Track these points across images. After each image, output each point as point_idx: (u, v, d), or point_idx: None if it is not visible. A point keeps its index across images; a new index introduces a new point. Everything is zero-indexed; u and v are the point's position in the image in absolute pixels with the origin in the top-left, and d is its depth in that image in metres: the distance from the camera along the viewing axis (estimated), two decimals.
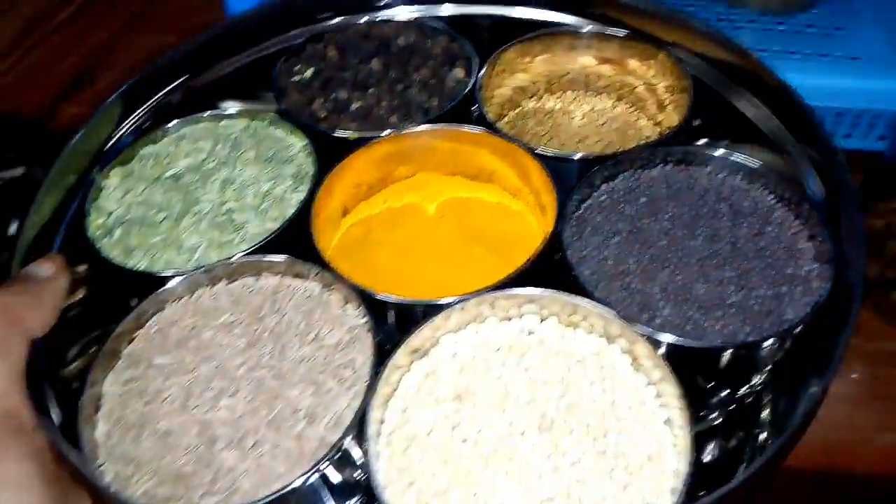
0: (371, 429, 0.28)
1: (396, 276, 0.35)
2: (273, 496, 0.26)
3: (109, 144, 0.40)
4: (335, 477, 0.28)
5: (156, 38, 0.62)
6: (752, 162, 0.36)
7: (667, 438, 0.29)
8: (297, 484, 0.26)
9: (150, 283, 0.33)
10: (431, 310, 0.31)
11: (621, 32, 0.43)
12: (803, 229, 0.34)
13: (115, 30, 0.67)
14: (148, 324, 0.33)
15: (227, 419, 0.29)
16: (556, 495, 0.27)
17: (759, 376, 0.33)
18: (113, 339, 0.31)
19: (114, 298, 0.34)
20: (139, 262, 0.35)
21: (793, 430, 0.27)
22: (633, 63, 0.43)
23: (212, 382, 0.30)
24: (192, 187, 0.38)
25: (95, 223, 0.37)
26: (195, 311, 0.33)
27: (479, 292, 0.32)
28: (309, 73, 0.44)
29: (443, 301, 0.31)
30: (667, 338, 0.30)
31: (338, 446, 0.27)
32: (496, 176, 0.39)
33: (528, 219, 0.38)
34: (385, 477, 0.28)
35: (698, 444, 0.28)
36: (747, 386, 0.33)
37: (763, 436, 0.32)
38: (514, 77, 0.44)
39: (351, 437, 0.28)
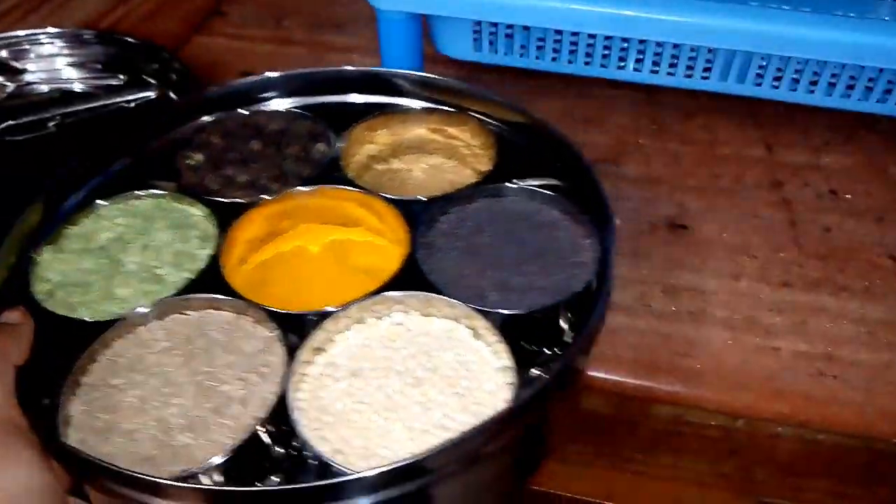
0: (292, 404, 0.38)
1: (294, 299, 0.46)
2: (227, 457, 0.36)
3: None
4: (266, 439, 0.38)
5: None
6: (545, 190, 0.51)
7: (502, 379, 0.41)
8: (238, 443, 0.36)
9: (94, 329, 0.42)
10: (324, 317, 0.42)
11: (443, 107, 0.57)
12: (582, 237, 0.49)
13: None
14: (99, 357, 0.41)
15: (178, 413, 0.38)
16: (431, 427, 0.38)
17: (564, 332, 0.46)
18: (74, 372, 0.40)
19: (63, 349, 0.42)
20: (83, 315, 0.43)
21: (581, 340, 0.40)
22: (453, 130, 0.57)
23: (161, 389, 0.39)
24: (116, 254, 0.47)
25: (39, 290, 0.45)
26: (137, 343, 0.42)
27: (358, 300, 0.43)
28: (199, 157, 0.54)
29: (332, 309, 0.42)
30: (499, 311, 0.43)
31: (266, 418, 0.37)
32: (361, 221, 0.51)
33: (389, 249, 0.50)
34: (306, 434, 0.38)
35: (524, 380, 0.40)
36: (557, 339, 0.46)
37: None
38: (364, 147, 0.57)
39: (275, 410, 0.38)
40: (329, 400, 0.40)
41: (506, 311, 0.43)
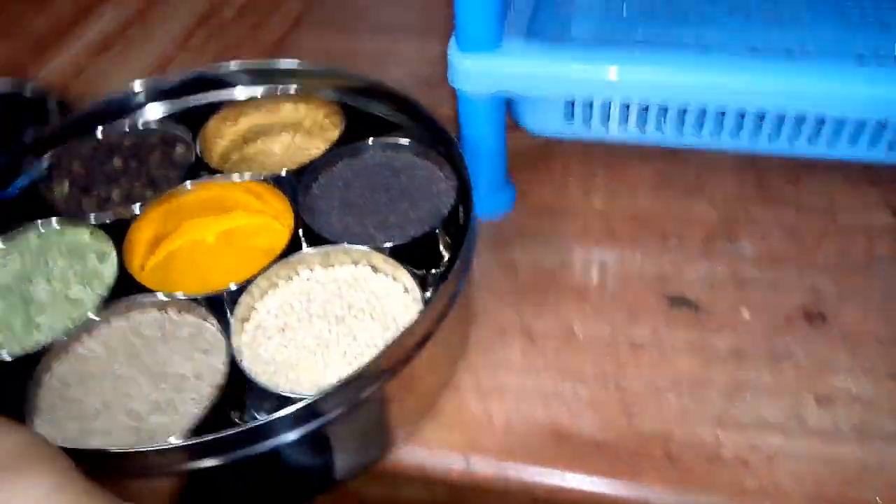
0: (241, 364, 0.44)
1: (204, 288, 0.51)
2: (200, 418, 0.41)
3: None
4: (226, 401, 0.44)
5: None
6: (400, 142, 0.58)
7: (409, 298, 0.49)
8: (209, 407, 0.41)
9: (28, 361, 0.45)
10: (240, 292, 0.48)
11: (288, 89, 0.63)
12: (437, 170, 0.57)
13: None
14: (45, 381, 0.44)
15: (142, 399, 0.43)
16: (364, 349, 0.46)
17: (441, 252, 0.55)
18: (28, 400, 0.43)
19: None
20: (13, 351, 0.46)
21: (462, 254, 0.49)
22: (301, 107, 0.63)
23: (119, 388, 0.44)
24: (23, 289, 0.49)
25: None
26: (76, 359, 0.45)
27: (265, 268, 0.49)
28: (65, 186, 0.56)
29: (246, 283, 0.48)
30: (387, 245, 0.50)
31: (222, 382, 0.43)
32: (243, 204, 0.56)
33: (274, 226, 0.56)
34: (263, 381, 0.44)
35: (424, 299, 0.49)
36: (438, 259, 0.54)
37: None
38: (219, 140, 0.62)
39: (227, 376, 0.43)
40: (270, 354, 0.46)
41: (392, 244, 0.51)
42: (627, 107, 0.57)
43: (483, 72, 0.54)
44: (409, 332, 0.43)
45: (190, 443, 0.38)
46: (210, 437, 0.38)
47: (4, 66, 0.81)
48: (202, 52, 0.84)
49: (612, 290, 0.56)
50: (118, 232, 0.52)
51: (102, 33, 0.86)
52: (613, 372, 0.51)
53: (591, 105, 0.58)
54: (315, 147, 0.63)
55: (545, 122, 0.61)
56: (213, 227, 0.56)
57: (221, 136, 0.62)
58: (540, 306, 0.55)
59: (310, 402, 0.40)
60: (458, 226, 0.53)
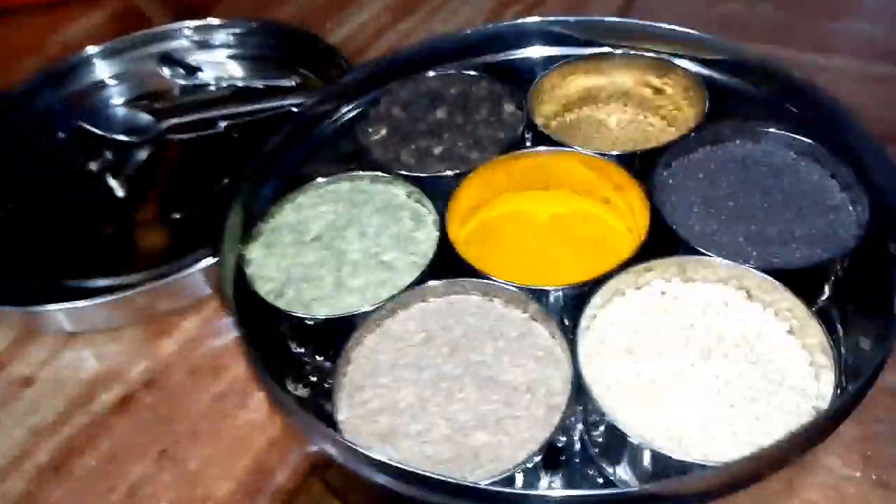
0: (587, 387, 0.35)
1: (525, 268, 0.42)
2: (536, 454, 0.33)
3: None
4: (562, 439, 0.35)
5: None
6: (785, 134, 0.46)
7: (791, 344, 0.37)
8: (548, 437, 0.33)
9: (339, 326, 0.39)
10: (579, 292, 0.39)
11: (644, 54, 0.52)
12: (829, 177, 0.44)
13: None
14: (355, 357, 0.38)
15: (465, 409, 0.35)
16: (740, 410, 0.35)
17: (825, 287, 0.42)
18: (333, 374, 0.37)
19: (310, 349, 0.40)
20: (323, 311, 0.40)
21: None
22: (649, 76, 0.53)
23: (439, 384, 0.36)
24: (335, 243, 0.44)
25: (265, 289, 0.42)
26: (391, 337, 0.39)
27: (613, 271, 0.39)
28: (383, 131, 0.51)
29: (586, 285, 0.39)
30: (776, 267, 0.39)
31: (562, 416, 0.34)
32: (592, 185, 0.47)
33: (606, 214, 0.47)
34: (619, 418, 0.34)
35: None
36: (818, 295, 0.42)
37: None
38: (553, 96, 0.53)
39: (567, 400, 0.35)
40: (615, 378, 0.36)
41: (778, 267, 0.39)
42: None
43: None
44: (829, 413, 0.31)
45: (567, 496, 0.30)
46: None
47: None
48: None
49: None
50: (435, 192, 0.45)
51: None
52: None
53: None
54: (650, 125, 0.52)
55: None
56: (539, 204, 0.47)
57: (553, 92, 0.53)
58: None
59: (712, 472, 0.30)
60: (871, 257, 0.40)
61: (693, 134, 0.47)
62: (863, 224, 0.41)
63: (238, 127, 0.63)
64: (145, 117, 0.64)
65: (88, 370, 0.47)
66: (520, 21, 0.54)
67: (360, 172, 0.48)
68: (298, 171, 0.50)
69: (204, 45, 0.71)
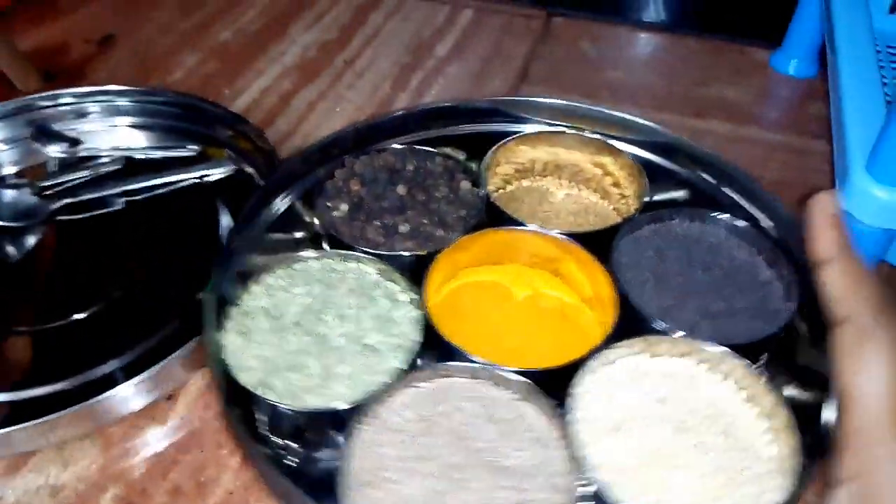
0: (587, 467, 0.37)
1: (500, 348, 0.44)
2: None
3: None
4: None
5: None
6: (717, 216, 0.51)
7: (752, 414, 0.42)
8: None
9: (329, 418, 0.39)
10: (558, 373, 0.41)
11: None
12: (757, 254, 0.50)
13: None
14: (358, 451, 0.38)
15: (482, 499, 0.36)
16: (718, 481, 0.39)
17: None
18: (336, 472, 0.37)
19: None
20: (315, 403, 0.40)
21: None
22: (590, 153, 0.57)
23: (452, 477, 0.37)
24: (315, 327, 0.44)
25: (249, 380, 0.41)
26: (388, 428, 0.39)
27: (594, 351, 0.42)
28: (344, 206, 0.51)
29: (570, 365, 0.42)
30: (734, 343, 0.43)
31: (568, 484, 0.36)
32: (557, 261, 0.50)
33: (563, 286, 0.50)
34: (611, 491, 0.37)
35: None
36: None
37: None
38: (494, 173, 0.55)
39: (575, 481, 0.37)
40: (615, 457, 0.39)
41: (738, 342, 0.44)
42: None
43: None
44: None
45: None
46: None
47: None
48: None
49: None
50: (403, 270, 0.46)
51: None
52: None
53: None
54: (591, 199, 0.57)
55: None
56: (509, 278, 0.50)
57: (498, 169, 0.56)
58: None
59: None
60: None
61: (637, 215, 0.51)
62: (793, 298, 0.46)
63: (139, 204, 0.60)
64: (30, 198, 0.59)
65: None
66: (468, 100, 0.57)
67: (329, 250, 0.48)
68: (262, 248, 0.49)
69: (83, 115, 0.66)
